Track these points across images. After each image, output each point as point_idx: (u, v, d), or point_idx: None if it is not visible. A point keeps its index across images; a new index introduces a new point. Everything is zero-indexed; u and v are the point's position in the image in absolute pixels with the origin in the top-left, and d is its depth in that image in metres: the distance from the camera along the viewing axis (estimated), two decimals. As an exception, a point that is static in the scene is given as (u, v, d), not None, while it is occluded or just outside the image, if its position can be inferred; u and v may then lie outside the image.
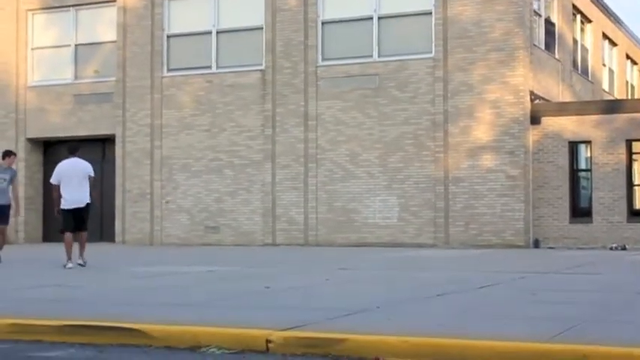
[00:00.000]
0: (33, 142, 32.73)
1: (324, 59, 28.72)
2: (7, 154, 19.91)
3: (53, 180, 18.35)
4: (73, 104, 31.80)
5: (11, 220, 32.05)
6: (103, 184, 31.92)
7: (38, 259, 21.50)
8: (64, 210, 18.07)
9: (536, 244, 26.38)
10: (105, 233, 31.37)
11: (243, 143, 29.36)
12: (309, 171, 28.49)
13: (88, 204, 18.12)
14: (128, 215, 30.72)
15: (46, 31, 32.88)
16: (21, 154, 32.25)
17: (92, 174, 18.46)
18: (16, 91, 32.63)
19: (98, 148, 32.22)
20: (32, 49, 32.83)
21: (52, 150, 32.94)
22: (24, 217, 31.95)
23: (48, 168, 32.78)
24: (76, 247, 18.19)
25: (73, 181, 17.99)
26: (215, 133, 29.74)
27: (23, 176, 32.26)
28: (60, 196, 18.05)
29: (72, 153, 18.58)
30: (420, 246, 26.67)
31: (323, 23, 28.84)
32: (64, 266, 17.67)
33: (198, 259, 20.99)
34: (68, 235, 18.02)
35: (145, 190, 30.51)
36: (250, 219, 29.13)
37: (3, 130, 32.70)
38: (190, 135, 30.06)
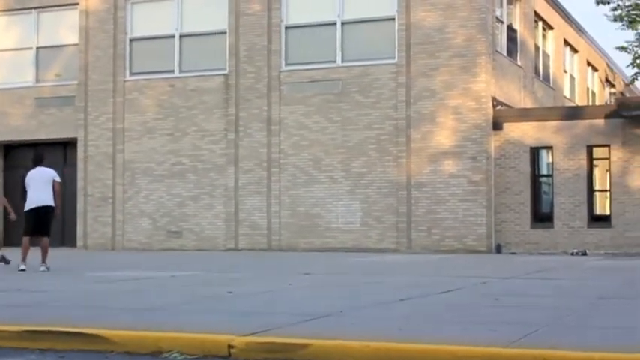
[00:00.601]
0: (-7, 145, 32.46)
1: (287, 64, 28.73)
2: None
3: (24, 189, 18.23)
4: (35, 107, 31.58)
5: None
6: (65, 188, 31.64)
7: (-2, 263, 21.27)
8: (26, 212, 17.97)
9: (498, 249, 26.53)
10: (66, 237, 31.16)
11: (206, 147, 29.29)
12: (272, 175, 28.47)
13: (50, 207, 17.98)
14: (90, 219, 30.53)
15: (7, 33, 32.63)
16: (-19, 157, 32.04)
17: (57, 179, 18.39)
18: (-24, 93, 32.36)
19: (60, 152, 32.04)
20: (-7, 51, 32.59)
21: (13, 154, 32.72)
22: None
23: (9, 172, 32.58)
24: (38, 252, 18.02)
25: (38, 184, 17.98)
26: (178, 137, 29.65)
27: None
28: (24, 201, 17.86)
29: (36, 164, 18.46)
30: (383, 251, 26.73)
31: (286, 28, 28.85)
32: (18, 268, 17.52)
33: (161, 264, 20.89)
34: (25, 238, 17.84)
35: (107, 195, 30.34)
36: (213, 224, 29.05)
37: (-37, 133, 32.41)
38: (153, 139, 29.95)
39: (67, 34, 31.65)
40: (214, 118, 29.28)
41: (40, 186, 18.02)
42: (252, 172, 28.69)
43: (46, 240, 18.09)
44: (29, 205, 18.00)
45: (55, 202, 18.15)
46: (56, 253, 27.07)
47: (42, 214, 18.03)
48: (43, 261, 17.91)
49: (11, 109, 31.90)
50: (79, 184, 30.70)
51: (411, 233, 26.90)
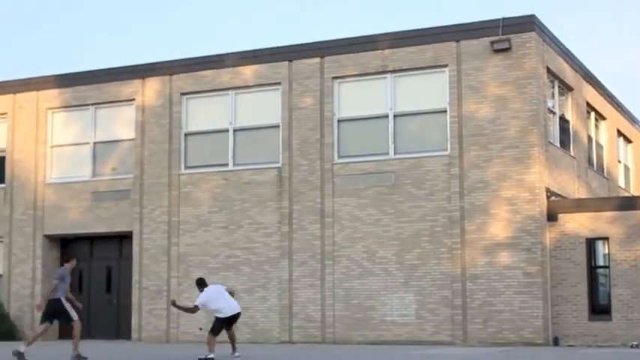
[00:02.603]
0: (50, 238, 32.87)
1: (340, 156, 28.94)
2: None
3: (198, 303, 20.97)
4: (91, 201, 32.02)
5: (27, 317, 32.17)
6: (120, 281, 32.05)
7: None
8: (222, 318, 20.78)
9: (556, 341, 26.16)
10: (121, 330, 31.36)
11: (259, 240, 29.42)
12: (325, 268, 28.48)
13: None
14: (144, 312, 30.67)
15: (65, 129, 33.30)
16: (38, 251, 32.47)
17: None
18: (34, 187, 32.95)
19: (115, 245, 32.41)
20: (51, 146, 33.22)
21: (69, 247, 33.08)
22: (39, 314, 31.91)
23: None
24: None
25: (225, 295, 21.02)
26: (232, 230, 29.84)
27: (40, 273, 32.39)
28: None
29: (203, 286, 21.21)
30: (438, 344, 26.48)
31: (339, 121, 29.14)
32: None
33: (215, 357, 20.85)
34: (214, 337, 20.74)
35: (162, 287, 30.51)
36: (267, 316, 29.04)
37: (21, 226, 32.92)
38: (207, 232, 30.17)
39: (123, 129, 32.21)
40: (268, 210, 29.47)
41: (227, 296, 21.00)
42: (306, 265, 28.73)
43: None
44: (229, 312, 20.73)
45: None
46: (110, 346, 27.21)
47: (237, 316, 21.03)
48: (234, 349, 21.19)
49: (69, 203, 32.38)
50: (134, 277, 30.92)
51: (467, 325, 26.65)
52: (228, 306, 20.79)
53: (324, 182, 28.83)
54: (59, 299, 20.04)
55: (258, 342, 28.55)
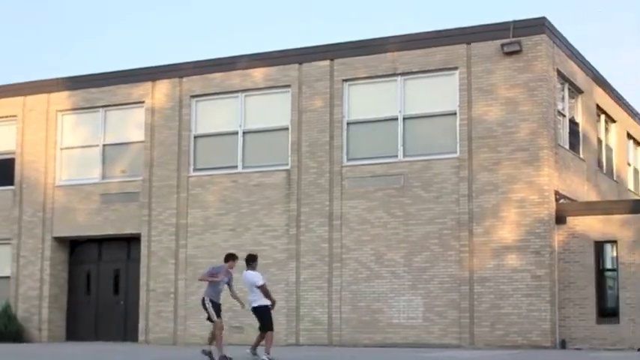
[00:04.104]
0: (59, 240, 32.91)
1: (349, 159, 28.90)
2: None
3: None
4: (100, 203, 32.05)
5: (34, 318, 32.27)
6: (127, 283, 32.08)
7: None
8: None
9: (563, 344, 26.04)
10: (128, 332, 31.38)
11: (267, 242, 29.39)
12: (333, 270, 28.43)
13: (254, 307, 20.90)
14: (152, 314, 30.66)
15: (75, 131, 33.36)
16: (47, 252, 32.52)
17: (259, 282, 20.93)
18: (44, 189, 33.00)
19: (123, 247, 32.46)
20: (61, 148, 33.28)
21: (78, 249, 33.15)
22: (47, 316, 32.07)
23: (74, 267, 33.02)
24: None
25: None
26: (240, 233, 29.82)
27: (48, 275, 32.43)
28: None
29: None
30: (445, 346, 26.39)
31: (348, 124, 29.09)
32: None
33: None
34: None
35: (169, 289, 30.50)
36: (274, 318, 28.84)
37: (30, 228, 32.97)
38: (215, 234, 30.16)
39: (133, 131, 32.24)
40: (276, 213, 29.44)
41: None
42: (314, 267, 28.68)
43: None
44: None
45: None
46: (118, 348, 27.22)
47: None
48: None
49: (78, 205, 32.41)
50: (142, 279, 30.92)
51: (474, 328, 26.55)
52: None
53: (333, 185, 28.78)
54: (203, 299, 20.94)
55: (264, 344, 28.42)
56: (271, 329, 20.76)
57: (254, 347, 21.03)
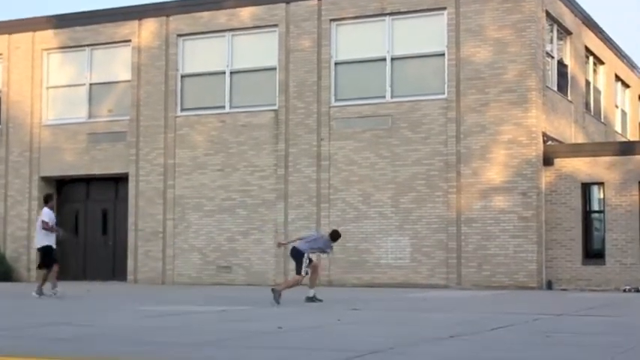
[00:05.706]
0: (46, 180, 32.83)
1: (337, 100, 28.83)
2: None
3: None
4: (87, 143, 31.94)
5: (23, 258, 32.27)
6: (115, 223, 32.08)
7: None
8: None
9: (549, 285, 26.28)
10: (117, 272, 31.46)
11: (255, 183, 29.42)
12: (321, 211, 28.51)
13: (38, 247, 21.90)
14: (140, 254, 30.75)
15: (61, 70, 33.12)
16: (34, 192, 32.42)
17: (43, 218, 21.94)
18: (30, 129, 32.83)
19: (111, 187, 32.40)
20: (47, 87, 33.07)
21: (65, 188, 33.08)
22: (35, 256, 32.04)
23: (61, 206, 32.92)
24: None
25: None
26: (228, 173, 29.82)
27: (36, 215, 32.34)
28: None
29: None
30: (432, 287, 26.59)
31: (336, 64, 28.98)
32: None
33: (210, 299, 20.95)
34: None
35: (158, 229, 30.55)
36: (262, 258, 29.12)
37: (17, 168, 32.88)
38: (203, 174, 30.15)
39: (120, 70, 32.05)
40: (264, 153, 29.43)
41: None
42: (302, 208, 28.75)
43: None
44: None
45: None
46: (106, 287, 27.32)
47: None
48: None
49: (64, 144, 32.30)
50: (130, 219, 30.96)
51: (461, 269, 26.74)
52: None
53: (321, 125, 28.74)
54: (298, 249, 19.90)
55: (253, 284, 28.64)
56: None
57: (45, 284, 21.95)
